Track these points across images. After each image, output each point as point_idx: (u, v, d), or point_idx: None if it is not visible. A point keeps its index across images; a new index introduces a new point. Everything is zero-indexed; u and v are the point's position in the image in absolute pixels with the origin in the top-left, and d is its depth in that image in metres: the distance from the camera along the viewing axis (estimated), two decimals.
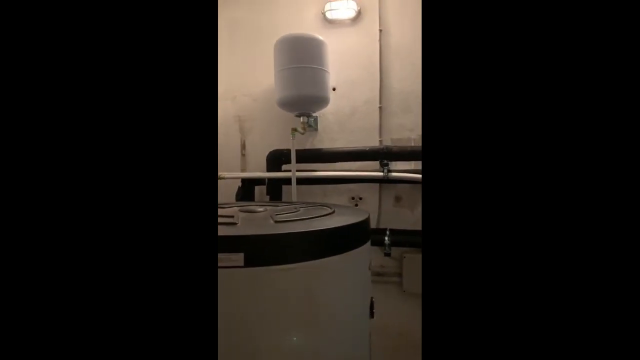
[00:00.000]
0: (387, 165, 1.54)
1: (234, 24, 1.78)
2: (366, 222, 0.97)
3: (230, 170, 1.75)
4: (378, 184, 1.63)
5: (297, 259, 0.76)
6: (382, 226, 1.63)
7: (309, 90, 1.45)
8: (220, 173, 1.65)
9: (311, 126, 1.66)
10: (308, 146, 1.71)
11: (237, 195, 1.71)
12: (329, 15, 1.64)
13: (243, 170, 1.80)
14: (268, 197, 1.69)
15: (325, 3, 1.63)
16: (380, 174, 1.54)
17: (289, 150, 1.59)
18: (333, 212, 1.04)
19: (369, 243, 0.99)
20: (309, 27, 1.65)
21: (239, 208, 1.12)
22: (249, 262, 0.71)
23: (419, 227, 1.59)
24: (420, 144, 1.60)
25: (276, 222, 0.88)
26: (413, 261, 1.59)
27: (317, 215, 0.97)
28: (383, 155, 1.56)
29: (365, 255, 0.96)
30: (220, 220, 0.84)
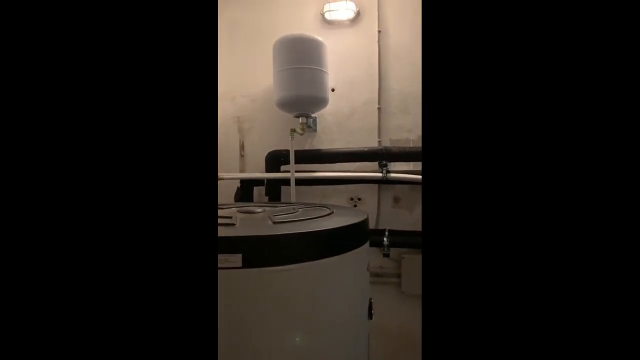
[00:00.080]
0: (385, 166, 1.54)
1: (233, 25, 1.78)
2: (365, 223, 0.97)
3: (229, 171, 1.75)
4: (377, 185, 1.63)
5: (296, 260, 0.76)
6: (380, 227, 1.63)
7: (307, 91, 1.45)
8: (219, 174, 1.65)
9: (310, 127, 1.66)
10: (307, 147, 1.70)
11: (235, 196, 1.71)
12: (328, 16, 1.64)
13: (242, 171, 1.80)
14: (267, 198, 1.69)
15: (324, 4, 1.63)
16: (379, 174, 1.54)
17: (287, 151, 1.59)
18: (332, 212, 1.04)
19: (367, 244, 0.99)
20: (308, 28, 1.65)
21: (237, 209, 1.12)
22: (247, 263, 0.71)
23: (417, 228, 1.59)
24: (419, 145, 1.60)
25: (275, 223, 0.88)
26: (412, 262, 1.59)
27: (315, 216, 0.97)
28: (382, 156, 1.56)
29: (363, 256, 0.96)
30: (218, 221, 0.83)
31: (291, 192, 1.57)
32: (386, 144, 1.63)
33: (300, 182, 1.60)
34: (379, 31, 1.62)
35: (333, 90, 1.66)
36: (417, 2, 1.58)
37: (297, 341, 0.78)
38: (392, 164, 1.58)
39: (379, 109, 1.63)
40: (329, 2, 1.62)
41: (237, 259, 0.70)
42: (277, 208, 1.14)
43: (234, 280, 0.71)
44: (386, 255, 1.54)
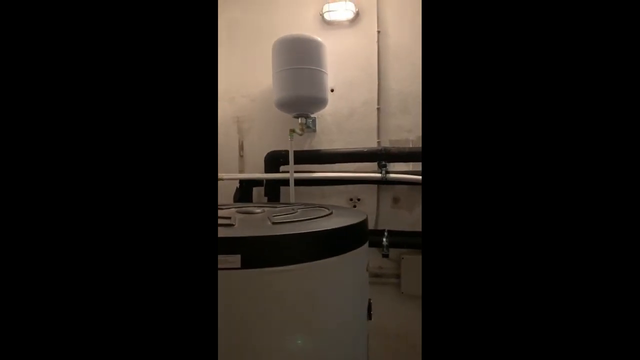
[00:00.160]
0: (385, 166, 1.54)
1: (232, 25, 1.78)
2: (364, 223, 0.97)
3: (228, 171, 1.75)
4: (376, 185, 1.63)
5: (295, 260, 0.75)
6: (380, 227, 1.63)
7: (307, 91, 1.45)
8: (219, 174, 1.65)
9: (309, 127, 1.66)
10: (306, 147, 1.70)
11: (235, 196, 1.71)
12: (327, 16, 1.64)
13: (241, 171, 1.80)
14: (266, 198, 1.69)
15: (324, 4, 1.63)
16: (379, 175, 1.54)
17: (287, 152, 1.59)
18: (331, 213, 1.04)
19: (366, 244, 0.99)
20: (307, 28, 1.65)
21: (236, 209, 1.12)
22: (246, 264, 0.71)
23: (417, 228, 1.59)
24: (418, 145, 1.60)
25: (274, 223, 0.87)
26: (411, 262, 1.59)
27: (314, 217, 0.97)
28: (381, 156, 1.56)
29: (363, 256, 0.96)
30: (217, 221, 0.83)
31: (290, 193, 1.57)
32: (385, 144, 1.63)
33: (299, 182, 1.60)
34: (378, 31, 1.62)
35: (332, 90, 1.66)
36: (416, 2, 1.58)
37: (297, 342, 0.78)
38: (392, 164, 1.58)
39: (378, 109, 1.63)
40: (328, 3, 1.62)
41: (236, 259, 0.70)
42: (277, 208, 1.14)
43: (233, 281, 0.71)
44: (385, 256, 1.54)
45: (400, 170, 1.57)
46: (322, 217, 0.98)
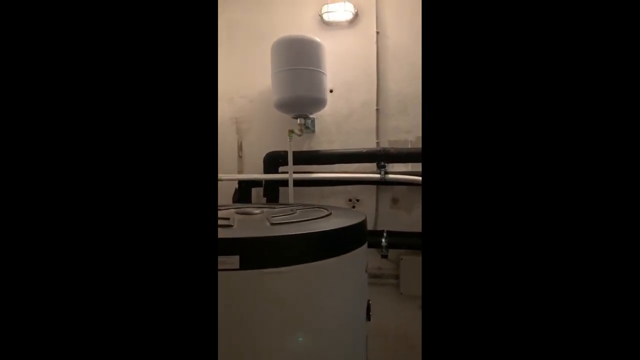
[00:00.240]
0: (384, 167, 1.54)
1: (231, 25, 1.78)
2: (363, 224, 0.97)
3: (227, 172, 1.75)
4: (375, 186, 1.63)
5: (293, 261, 0.75)
6: (379, 228, 1.62)
7: (306, 92, 1.45)
8: (218, 175, 1.65)
9: (308, 128, 1.66)
10: (305, 148, 1.70)
11: (233, 197, 1.70)
12: (326, 17, 1.64)
13: (240, 172, 1.80)
14: (265, 199, 1.69)
15: (323, 5, 1.63)
16: (378, 175, 1.54)
17: (286, 152, 1.59)
18: (330, 214, 1.03)
19: (365, 245, 0.99)
20: (306, 29, 1.65)
21: (235, 210, 1.12)
22: (244, 265, 0.70)
23: (416, 229, 1.59)
24: (417, 146, 1.60)
25: (272, 224, 0.87)
26: (410, 263, 1.59)
27: (313, 217, 0.96)
28: (380, 157, 1.56)
29: (362, 257, 0.96)
30: None
31: (289, 193, 1.56)
32: (384, 145, 1.63)
33: (298, 183, 1.60)
34: (377, 32, 1.62)
35: (331, 91, 1.66)
36: (415, 3, 1.58)
37: (297, 343, 0.78)
38: (391, 165, 1.58)
39: (377, 110, 1.63)
40: (328, 4, 1.62)
41: (234, 260, 0.70)
42: (275, 209, 1.14)
43: (232, 282, 0.71)
44: (384, 257, 1.54)
45: (399, 171, 1.57)
46: (321, 217, 0.98)
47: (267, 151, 1.69)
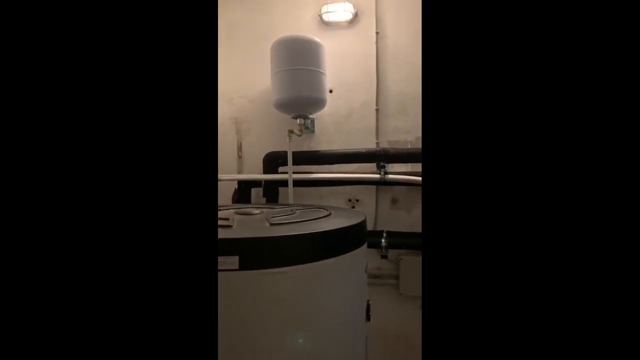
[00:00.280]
0: (383, 167, 1.54)
1: (231, 26, 1.77)
2: (362, 224, 0.97)
3: (227, 172, 1.75)
4: (375, 186, 1.63)
5: (293, 261, 0.75)
6: (378, 228, 1.62)
7: (305, 92, 1.45)
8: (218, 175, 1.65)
9: (308, 128, 1.66)
10: (305, 148, 1.70)
11: (233, 197, 1.70)
12: (325, 17, 1.64)
13: (239, 172, 1.79)
14: (264, 199, 1.68)
15: (322, 5, 1.63)
16: (377, 176, 1.54)
17: (285, 152, 1.59)
18: (329, 214, 1.03)
19: (365, 245, 0.99)
20: (306, 29, 1.65)
21: (234, 210, 1.12)
22: (244, 265, 0.70)
23: (415, 229, 1.59)
24: (416, 146, 1.60)
25: (272, 224, 0.87)
26: (410, 263, 1.59)
27: (313, 218, 0.96)
28: (380, 157, 1.56)
29: (361, 257, 0.96)
30: None
31: (289, 194, 1.56)
32: (384, 145, 1.63)
33: (298, 183, 1.60)
34: (377, 33, 1.62)
35: (331, 91, 1.66)
36: (414, 3, 1.58)
37: (297, 343, 0.78)
38: (390, 165, 1.58)
39: (376, 110, 1.63)
40: (327, 4, 1.62)
41: (233, 261, 0.69)
42: (275, 209, 1.14)
43: (231, 282, 0.70)
44: (384, 257, 1.54)
45: (398, 171, 1.57)
46: (320, 218, 0.98)
47: (267, 151, 1.69)
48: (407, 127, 1.61)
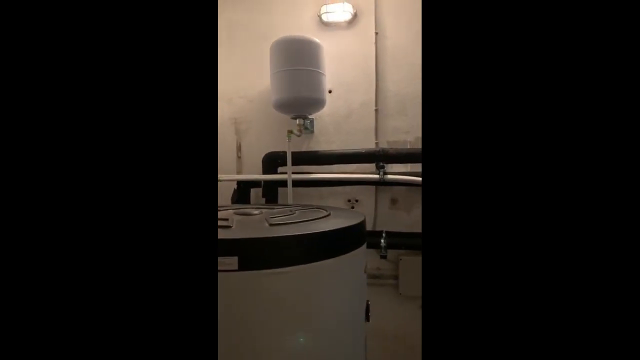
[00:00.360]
0: (383, 167, 1.54)
1: (230, 26, 1.77)
2: (362, 224, 0.97)
3: (226, 173, 1.74)
4: (374, 187, 1.63)
5: (292, 262, 0.75)
6: (378, 229, 1.62)
7: (305, 92, 1.45)
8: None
9: (307, 128, 1.66)
10: (304, 148, 1.70)
11: (232, 197, 1.70)
12: (325, 17, 1.64)
13: (239, 172, 1.79)
14: (264, 199, 1.68)
15: (322, 5, 1.63)
16: (376, 176, 1.54)
17: (285, 153, 1.59)
18: (329, 214, 1.03)
19: (364, 246, 0.99)
20: (305, 30, 1.65)
21: (234, 211, 1.12)
22: (243, 266, 0.70)
23: (414, 229, 1.59)
24: (416, 147, 1.60)
25: (271, 225, 0.87)
26: (409, 263, 1.59)
27: (312, 218, 0.96)
28: (379, 157, 1.56)
29: (361, 258, 0.96)
30: None
31: (288, 194, 1.56)
32: (383, 145, 1.63)
33: (297, 183, 1.60)
34: (376, 33, 1.62)
35: (330, 91, 1.66)
36: (413, 4, 1.58)
37: (296, 343, 0.78)
38: (389, 165, 1.58)
39: (376, 110, 1.63)
40: (326, 4, 1.62)
41: (232, 261, 0.69)
42: (274, 210, 1.14)
43: (231, 283, 0.70)
44: (383, 257, 1.54)
45: (398, 172, 1.57)
46: (320, 218, 0.98)
47: (266, 152, 1.69)
48: (406, 128, 1.62)
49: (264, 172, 1.67)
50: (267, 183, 1.67)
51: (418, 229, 1.56)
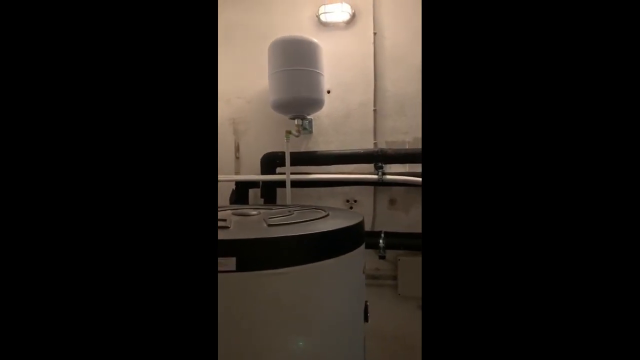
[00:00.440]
0: (381, 167, 1.54)
1: (229, 26, 1.77)
2: (360, 225, 0.96)
3: (224, 173, 1.74)
4: (373, 187, 1.63)
5: (291, 262, 0.75)
6: (376, 229, 1.62)
7: (303, 92, 1.45)
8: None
9: (306, 129, 1.66)
10: (303, 149, 1.70)
11: (231, 198, 1.70)
12: (323, 18, 1.64)
13: (237, 173, 1.79)
14: (262, 200, 1.68)
15: (320, 6, 1.63)
16: (375, 176, 1.54)
17: (283, 153, 1.59)
18: (327, 215, 1.03)
19: (363, 246, 0.98)
20: (304, 30, 1.65)
21: (232, 211, 1.11)
22: (241, 267, 0.70)
23: (413, 229, 1.59)
24: (414, 147, 1.60)
25: (269, 225, 0.87)
26: (408, 264, 1.59)
27: (311, 219, 0.96)
28: (378, 157, 1.56)
29: (359, 258, 0.96)
30: None
31: (287, 194, 1.56)
32: (382, 145, 1.63)
33: (295, 184, 1.60)
34: (375, 33, 1.62)
35: (329, 92, 1.66)
36: (412, 4, 1.58)
37: (295, 344, 0.77)
38: (388, 165, 1.58)
39: (374, 110, 1.63)
40: (325, 4, 1.62)
41: (231, 262, 0.69)
42: (273, 210, 1.14)
43: (229, 283, 0.70)
44: (382, 257, 1.54)
45: (396, 172, 1.57)
46: (318, 218, 0.97)
47: (265, 152, 1.69)
48: (405, 128, 1.62)
49: (263, 173, 1.67)
50: (266, 183, 1.67)
51: (417, 229, 1.56)
